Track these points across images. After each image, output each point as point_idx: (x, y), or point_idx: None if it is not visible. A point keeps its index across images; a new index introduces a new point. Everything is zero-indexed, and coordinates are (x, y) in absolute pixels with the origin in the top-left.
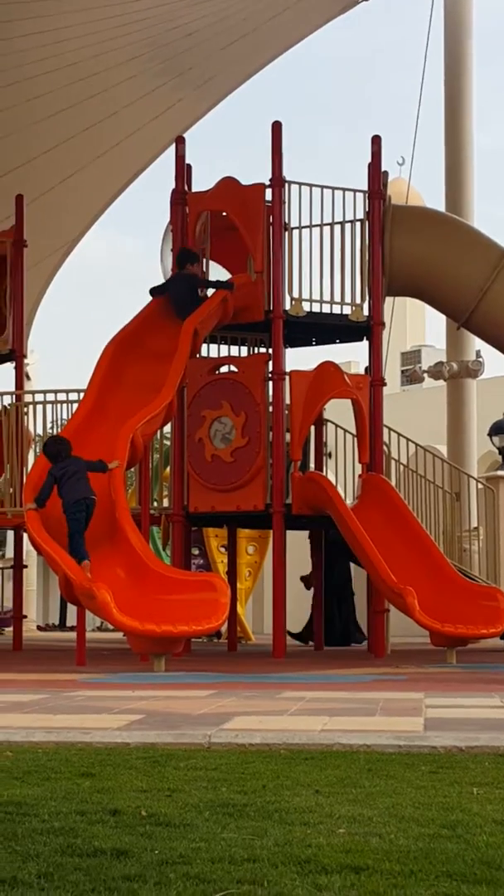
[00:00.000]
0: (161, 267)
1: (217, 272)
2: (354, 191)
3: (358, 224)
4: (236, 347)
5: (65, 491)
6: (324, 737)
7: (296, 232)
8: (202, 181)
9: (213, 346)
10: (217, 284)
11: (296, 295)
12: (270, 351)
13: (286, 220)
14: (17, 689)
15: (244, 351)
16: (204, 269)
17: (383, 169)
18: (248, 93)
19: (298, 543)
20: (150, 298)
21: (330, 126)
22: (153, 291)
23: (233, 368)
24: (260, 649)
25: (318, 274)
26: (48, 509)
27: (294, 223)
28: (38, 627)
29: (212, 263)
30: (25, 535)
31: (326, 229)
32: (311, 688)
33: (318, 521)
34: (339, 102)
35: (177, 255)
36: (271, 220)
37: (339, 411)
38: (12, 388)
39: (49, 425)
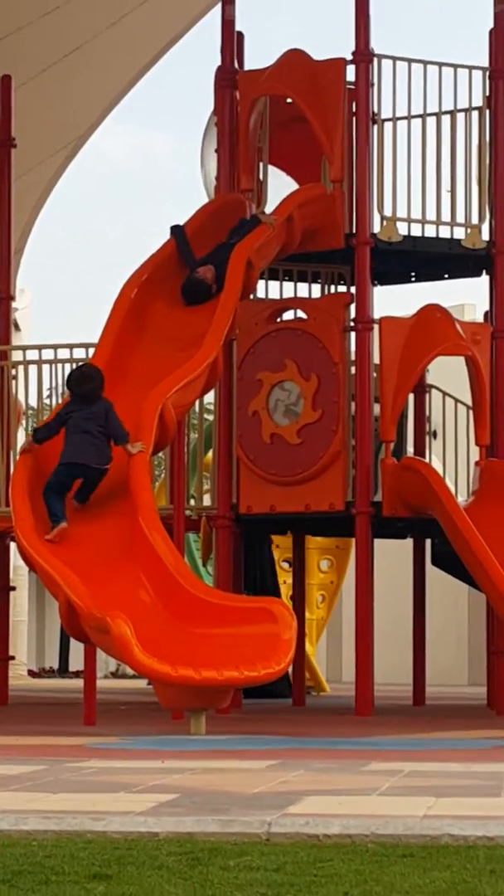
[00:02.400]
0: (202, 174)
1: (279, 181)
2: (470, 67)
3: (475, 114)
4: (305, 285)
5: (65, 443)
6: (428, 825)
7: (388, 125)
8: (258, 56)
9: (274, 284)
10: (246, 226)
11: (388, 213)
12: (353, 290)
13: (374, 110)
14: (3, 757)
15: (316, 290)
16: (261, 177)
17: None
18: None
19: (392, 557)
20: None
21: None
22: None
23: (301, 315)
24: (337, 703)
25: (420, 184)
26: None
27: (386, 113)
28: (31, 673)
29: (271, 169)
30: (13, 546)
31: (431, 122)
32: (408, 757)
33: (418, 526)
34: None
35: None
36: (354, 108)
37: (448, 374)
38: None
39: (46, 393)
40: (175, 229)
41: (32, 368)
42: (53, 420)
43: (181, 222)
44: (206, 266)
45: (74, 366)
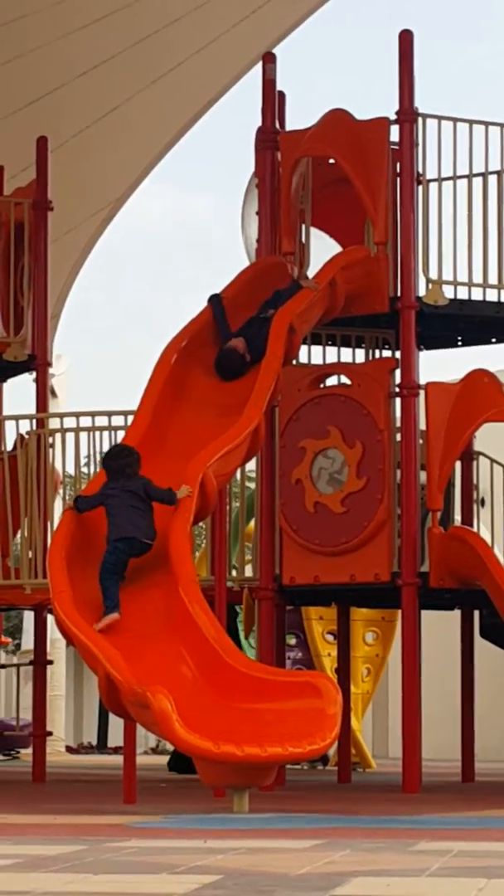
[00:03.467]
0: (242, 237)
1: (322, 244)
2: None
3: None
4: (349, 350)
5: (111, 521)
6: None
7: (433, 186)
8: (300, 116)
9: (317, 349)
10: (286, 292)
11: (434, 276)
12: (398, 355)
13: (419, 170)
14: (41, 836)
15: (360, 355)
16: (303, 240)
17: None
18: None
19: (440, 628)
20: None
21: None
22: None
23: (345, 380)
24: (384, 780)
25: (466, 246)
26: (86, 575)
27: (431, 173)
28: (69, 749)
29: (314, 232)
30: (50, 618)
31: (477, 182)
32: (459, 836)
33: (466, 597)
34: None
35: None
36: (398, 169)
37: (496, 440)
38: (32, 409)
39: (83, 462)
40: (213, 299)
41: (70, 436)
42: (95, 496)
43: (219, 291)
44: (237, 338)
45: (113, 433)
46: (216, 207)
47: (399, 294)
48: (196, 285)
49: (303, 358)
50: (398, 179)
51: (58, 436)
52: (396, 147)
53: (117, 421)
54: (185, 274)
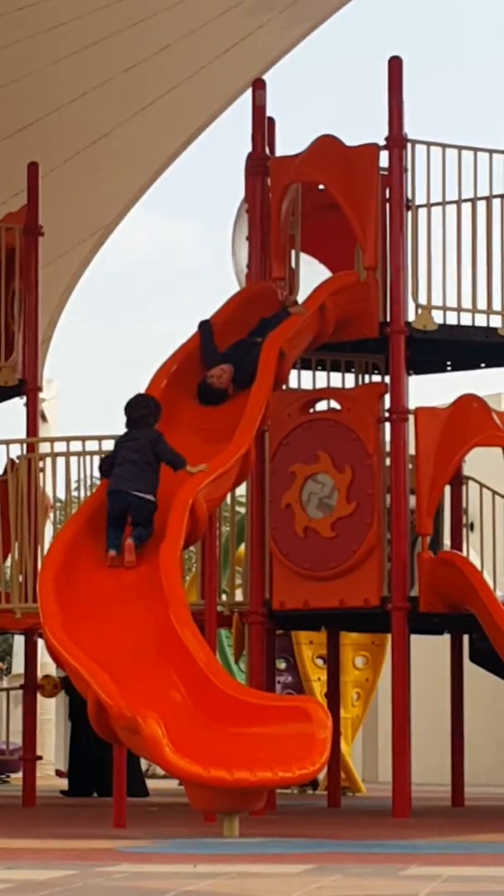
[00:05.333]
0: (233, 262)
1: (312, 269)
2: None
3: None
4: (338, 375)
5: (112, 472)
6: None
7: (422, 212)
8: (289, 142)
9: (307, 374)
10: (274, 319)
11: (423, 301)
12: (387, 380)
13: (408, 195)
14: (31, 861)
15: (350, 380)
16: (293, 265)
17: None
18: (352, 18)
19: (429, 653)
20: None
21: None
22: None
23: (334, 405)
24: (374, 805)
25: (455, 271)
26: (76, 599)
27: (420, 199)
28: (58, 773)
29: (304, 257)
30: (41, 642)
31: (466, 208)
32: (448, 861)
33: (456, 622)
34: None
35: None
36: (388, 194)
37: (485, 465)
38: (23, 433)
39: (74, 486)
40: (202, 325)
41: (60, 460)
42: (111, 452)
43: (208, 317)
44: (221, 367)
45: (103, 457)
46: (205, 233)
47: (388, 319)
48: (185, 311)
49: (293, 383)
50: (387, 205)
51: (48, 460)
52: (386, 173)
53: (108, 445)
54: (174, 299)
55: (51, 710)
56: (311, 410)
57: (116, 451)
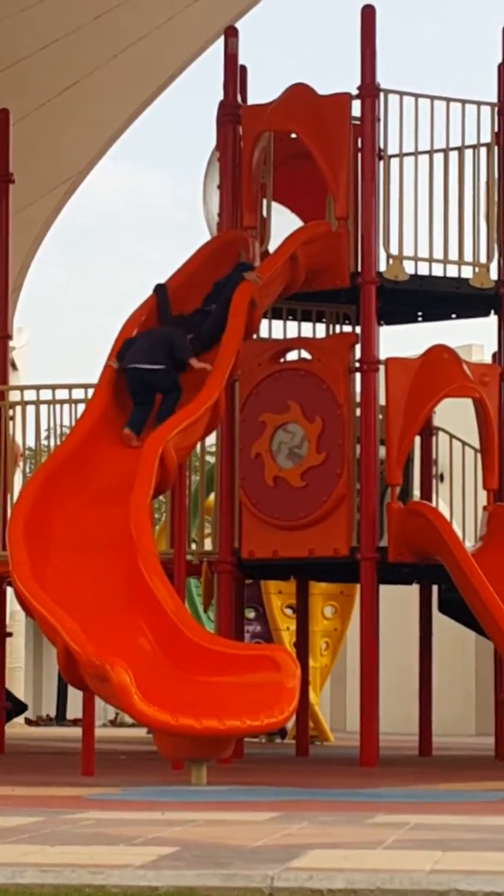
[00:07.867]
0: (204, 211)
1: (283, 218)
2: (478, 103)
3: (483, 150)
4: (309, 325)
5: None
6: (434, 880)
7: (395, 161)
8: (261, 91)
9: (277, 324)
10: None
11: (394, 251)
12: (358, 330)
13: (381, 145)
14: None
15: (321, 330)
16: (264, 214)
17: None
18: None
19: (398, 603)
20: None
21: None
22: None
23: (305, 355)
24: (341, 754)
25: (427, 221)
26: (46, 547)
27: (392, 149)
28: (28, 721)
29: (275, 206)
30: (10, 591)
31: (438, 158)
32: (415, 809)
33: (425, 572)
34: None
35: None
36: (360, 144)
37: (455, 416)
38: None
39: (44, 434)
40: (158, 288)
41: (30, 409)
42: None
43: (163, 281)
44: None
45: (73, 406)
46: (176, 182)
47: (360, 269)
48: (155, 261)
49: (263, 332)
50: (359, 154)
51: (18, 408)
52: (358, 122)
53: (78, 394)
54: (146, 247)
55: (20, 659)
56: (282, 360)
57: (134, 338)
